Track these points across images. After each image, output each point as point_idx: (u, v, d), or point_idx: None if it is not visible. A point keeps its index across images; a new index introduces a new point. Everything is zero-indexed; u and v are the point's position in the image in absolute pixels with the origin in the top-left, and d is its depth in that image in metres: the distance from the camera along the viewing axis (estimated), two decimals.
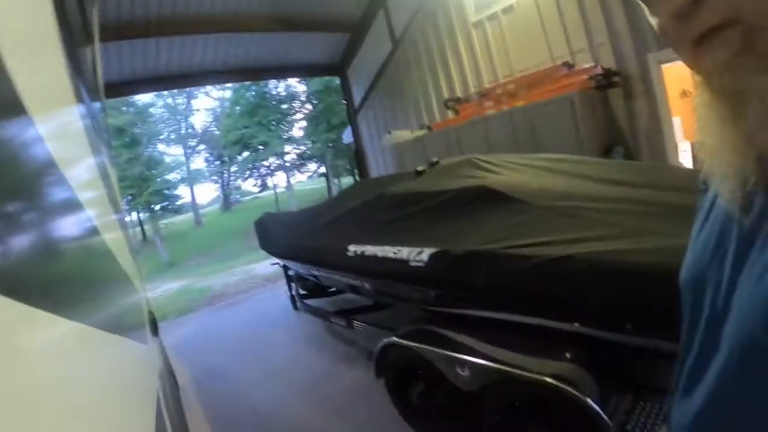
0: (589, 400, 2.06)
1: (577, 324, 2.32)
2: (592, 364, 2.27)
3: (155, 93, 28.62)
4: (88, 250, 0.87)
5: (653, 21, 0.69)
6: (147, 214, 29.22)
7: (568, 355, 2.31)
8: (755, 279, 0.62)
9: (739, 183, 0.65)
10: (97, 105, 2.64)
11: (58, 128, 0.83)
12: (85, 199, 0.92)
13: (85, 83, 1.77)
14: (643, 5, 0.71)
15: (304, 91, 32.32)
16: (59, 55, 1.08)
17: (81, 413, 0.51)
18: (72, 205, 0.77)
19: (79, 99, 1.36)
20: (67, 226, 0.69)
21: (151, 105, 31.96)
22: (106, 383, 0.72)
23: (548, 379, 2.20)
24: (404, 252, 3.04)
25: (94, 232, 1.01)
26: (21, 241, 0.42)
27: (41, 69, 0.79)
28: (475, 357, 2.61)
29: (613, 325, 2.15)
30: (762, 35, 0.57)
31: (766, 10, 0.56)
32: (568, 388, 2.12)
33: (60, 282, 0.54)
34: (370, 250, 3.41)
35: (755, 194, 0.65)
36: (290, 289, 6.84)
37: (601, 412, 2.04)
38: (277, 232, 5.95)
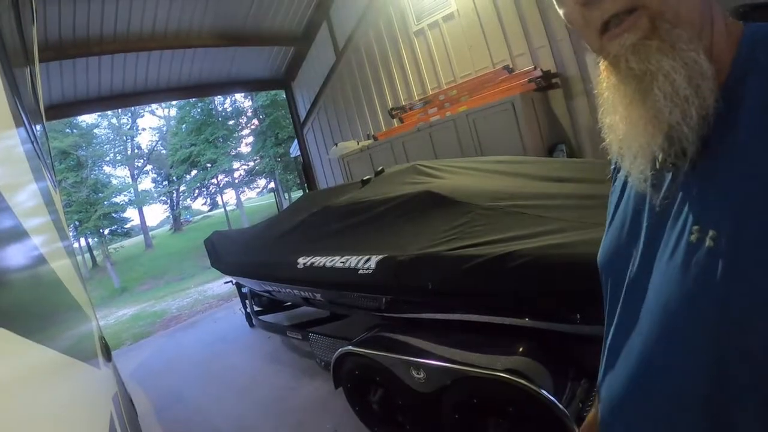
0: (543, 392, 2.10)
1: (527, 318, 2.36)
2: (544, 356, 2.32)
3: (99, 113, 28.06)
4: (34, 278, 0.85)
5: (560, 11, 0.72)
6: (96, 239, 28.47)
7: (520, 350, 2.35)
8: (668, 255, 0.65)
9: (649, 162, 0.68)
10: (38, 127, 2.57)
11: None
12: (29, 227, 0.89)
13: (25, 105, 1.73)
14: None
15: (250, 106, 32.14)
16: None
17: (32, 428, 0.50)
18: (16, 233, 0.75)
19: (18, 122, 1.33)
20: (12, 255, 0.67)
21: (96, 126, 31.26)
22: (56, 403, 0.70)
23: (502, 374, 2.23)
24: (352, 260, 3.05)
25: (40, 260, 0.98)
26: None
27: None
28: (429, 359, 2.63)
29: (562, 316, 2.20)
30: (664, 20, 0.60)
31: None
32: (522, 381, 2.16)
33: (4, 311, 0.53)
34: (319, 260, 3.40)
35: (664, 173, 0.68)
36: (245, 306, 6.75)
37: (556, 402, 2.07)
38: (228, 250, 5.88)
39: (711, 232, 0.59)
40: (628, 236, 0.77)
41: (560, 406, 2.07)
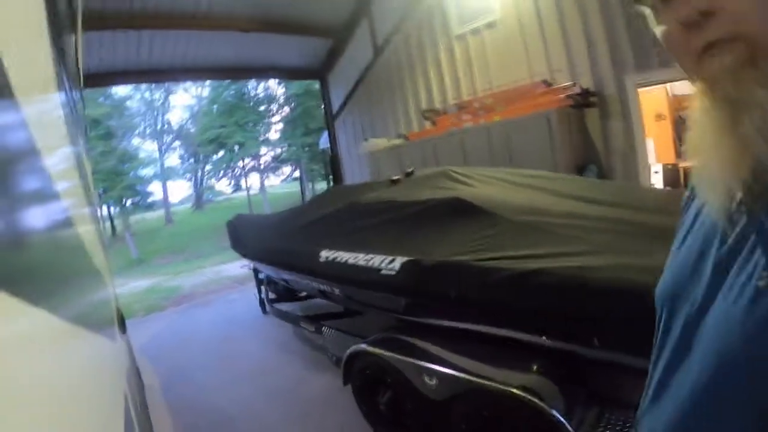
0: (555, 412, 2.09)
1: (544, 337, 2.35)
2: (558, 376, 2.30)
3: (133, 86, 28.28)
4: (61, 240, 0.86)
5: (658, 29, 0.71)
6: (118, 209, 28.68)
7: (535, 368, 2.33)
8: (732, 300, 0.64)
9: (728, 194, 0.66)
10: (76, 94, 2.60)
11: (40, 114, 0.82)
12: (61, 189, 0.90)
13: (68, 71, 1.75)
14: (647, 12, 0.73)
15: (282, 94, 32.19)
16: (46, 40, 1.07)
17: (49, 408, 0.49)
18: (48, 194, 0.76)
19: (61, 86, 1.34)
20: (42, 214, 0.68)
21: (128, 98, 31.40)
22: (75, 378, 0.70)
23: (515, 391, 2.22)
24: (376, 260, 3.05)
25: (68, 223, 0.99)
26: None
27: (28, 53, 0.78)
28: (443, 367, 2.62)
29: (580, 339, 2.18)
30: (764, 52, 0.59)
31: None
32: (535, 400, 2.15)
33: (30, 269, 0.53)
34: (342, 256, 3.41)
35: (741, 210, 0.67)
36: (260, 292, 6.79)
37: (566, 424, 2.06)
38: (250, 234, 5.91)
39: None
40: (692, 271, 0.75)
41: (570, 428, 2.06)
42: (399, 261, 2.88)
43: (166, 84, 30.49)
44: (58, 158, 1.05)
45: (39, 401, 0.46)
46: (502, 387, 2.29)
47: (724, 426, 0.63)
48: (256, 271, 6.65)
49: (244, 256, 5.96)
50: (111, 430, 1.01)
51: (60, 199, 0.87)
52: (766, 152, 0.58)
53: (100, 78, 9.22)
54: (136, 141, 32.50)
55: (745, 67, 0.60)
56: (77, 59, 2.90)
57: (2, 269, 0.39)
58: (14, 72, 0.51)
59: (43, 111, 0.91)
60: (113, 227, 31.35)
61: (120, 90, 29.33)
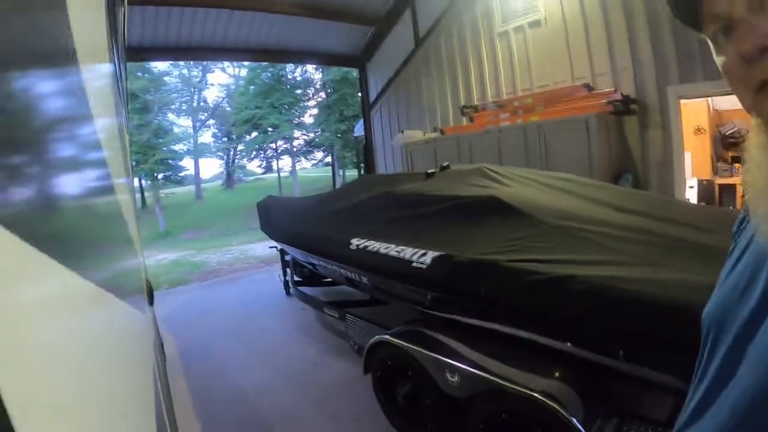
0: (574, 420, 2.09)
1: (569, 344, 2.34)
2: (580, 385, 2.29)
3: (172, 62, 28.63)
4: (103, 206, 0.87)
5: (718, 60, 0.72)
6: (149, 182, 29.11)
7: (557, 374, 2.33)
8: None
9: None
10: (123, 66, 2.65)
11: (94, 81, 0.84)
12: (105, 156, 0.92)
13: (117, 43, 1.78)
14: (710, 43, 0.74)
15: (320, 79, 32.27)
16: (103, 10, 1.09)
17: (82, 371, 0.50)
18: (97, 160, 0.78)
19: (112, 57, 1.37)
20: (90, 179, 0.69)
21: (167, 74, 31.77)
22: (105, 347, 0.70)
23: (536, 395, 2.22)
24: (407, 252, 3.07)
25: (110, 189, 1.01)
26: (44, 180, 0.42)
27: (90, 21, 0.80)
28: (466, 364, 2.63)
29: (605, 349, 2.18)
30: None
31: None
32: (555, 406, 2.14)
33: (74, 233, 0.54)
34: (374, 245, 3.43)
35: None
36: (285, 274, 6.86)
37: None
38: (280, 217, 5.96)
39: None
40: (740, 297, 0.76)
41: None
42: (431, 255, 2.88)
43: (205, 62, 30.79)
44: (105, 125, 1.06)
45: (76, 362, 0.47)
46: (523, 390, 2.29)
47: None
48: (282, 253, 6.72)
49: (273, 237, 6.03)
50: (142, 400, 1.04)
51: (103, 165, 0.89)
52: None
53: (140, 52, 9.35)
54: (171, 116, 32.90)
55: None
56: (124, 32, 2.94)
57: (41, 229, 0.39)
58: (78, 38, 0.53)
59: (97, 78, 0.93)
60: (143, 199, 31.82)
61: (159, 65, 29.72)
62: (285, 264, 6.79)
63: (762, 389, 0.65)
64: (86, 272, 0.58)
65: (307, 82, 33.01)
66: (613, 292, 2.01)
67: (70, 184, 0.55)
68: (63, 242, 0.48)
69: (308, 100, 33.26)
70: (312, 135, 33.32)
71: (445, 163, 4.39)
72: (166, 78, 31.67)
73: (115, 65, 1.65)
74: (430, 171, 4.26)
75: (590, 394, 2.29)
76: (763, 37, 0.62)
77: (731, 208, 6.71)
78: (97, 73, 0.90)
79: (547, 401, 2.18)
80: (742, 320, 0.73)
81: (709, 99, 7.57)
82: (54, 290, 0.42)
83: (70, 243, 0.52)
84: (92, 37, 0.82)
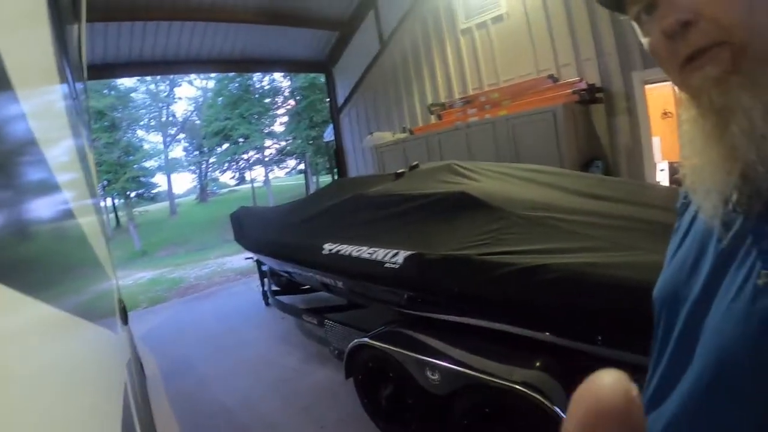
0: (557, 409, 2.08)
1: (548, 333, 2.34)
2: (561, 373, 2.29)
3: (138, 78, 28.36)
4: (62, 232, 0.85)
5: (644, 40, 0.72)
6: (122, 201, 28.80)
7: (538, 364, 2.33)
8: (730, 298, 0.64)
9: (721, 199, 0.67)
10: (80, 85, 2.59)
11: (40, 106, 0.81)
12: (61, 181, 0.90)
13: (70, 62, 1.74)
14: (634, 24, 0.74)
15: (288, 87, 32.24)
16: (47, 31, 1.06)
17: (46, 396, 0.49)
18: (49, 186, 0.75)
19: (63, 78, 1.34)
20: (43, 207, 0.67)
21: (133, 90, 31.50)
22: (73, 368, 0.70)
23: (518, 387, 2.21)
24: (380, 253, 3.05)
25: (69, 214, 0.99)
26: None
27: (29, 44, 0.77)
28: (446, 361, 2.62)
29: (583, 336, 2.17)
30: (747, 56, 0.60)
31: (753, 33, 0.60)
32: (537, 396, 2.14)
33: (31, 262, 0.52)
34: (346, 249, 3.41)
35: (735, 215, 0.67)
36: (263, 284, 6.81)
37: None
38: (253, 227, 5.92)
39: None
40: (689, 273, 0.76)
41: None
42: (402, 254, 2.87)
43: (172, 76, 30.57)
44: (59, 150, 1.04)
45: (34, 391, 0.45)
46: (504, 382, 2.28)
47: (727, 422, 0.63)
48: (259, 264, 6.67)
49: (248, 248, 5.98)
50: (108, 418, 1.01)
51: (60, 190, 0.87)
52: (755, 155, 0.59)
53: (105, 70, 9.19)
54: (140, 133, 32.67)
55: (729, 74, 0.61)
56: (81, 51, 2.89)
57: (1, 261, 0.38)
58: (12, 62, 0.51)
59: (43, 103, 0.90)
60: (117, 218, 31.48)
61: (125, 82, 29.51)
62: (262, 274, 6.75)
63: (718, 368, 0.64)
64: (50, 299, 0.57)
65: (276, 91, 32.94)
66: (586, 278, 2.01)
67: (25, 214, 0.53)
68: (22, 272, 0.46)
69: (277, 108, 33.21)
70: (283, 143, 33.27)
71: (415, 163, 4.39)
72: (133, 94, 31.42)
73: (69, 85, 1.61)
74: (399, 171, 4.25)
75: (572, 382, 2.28)
76: (684, 12, 0.62)
77: None
78: (42, 97, 0.87)
79: (529, 392, 2.17)
80: (693, 298, 0.73)
81: None
82: (16, 320, 0.42)
83: (31, 272, 0.51)
84: (32, 59, 0.79)
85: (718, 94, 0.62)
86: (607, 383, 0.49)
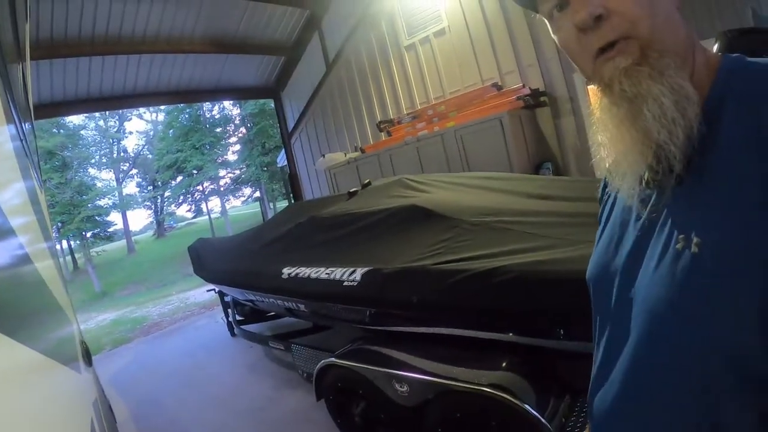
0: (527, 407, 2.11)
1: (511, 333, 2.38)
2: (528, 371, 2.33)
3: (87, 114, 27.88)
4: (19, 278, 0.85)
5: (556, 37, 0.77)
6: (78, 242, 28.12)
7: (504, 364, 2.35)
8: (654, 265, 0.69)
9: (638, 178, 0.73)
10: (27, 126, 2.55)
11: None
12: (15, 225, 0.89)
13: (16, 103, 1.72)
14: (547, 22, 0.79)
15: (238, 114, 32.12)
16: None
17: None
18: (2, 231, 0.75)
19: (9, 119, 1.32)
20: None
21: (83, 127, 30.99)
22: (36, 406, 0.69)
23: (486, 389, 2.23)
24: (337, 272, 3.06)
25: (22, 259, 0.98)
26: None
27: None
28: (413, 372, 2.63)
29: (546, 332, 2.22)
30: (654, 49, 0.65)
31: (658, 29, 0.67)
32: (506, 396, 2.16)
33: None
34: (304, 271, 3.41)
35: (651, 190, 0.72)
36: (227, 315, 6.71)
37: (540, 417, 2.09)
38: (212, 258, 5.85)
39: (695, 239, 0.63)
40: (615, 251, 0.81)
41: (544, 421, 2.08)
42: (360, 272, 2.89)
43: (121, 111, 30.15)
44: (10, 193, 1.03)
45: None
46: (472, 387, 2.30)
47: (663, 385, 0.67)
48: (221, 295, 6.59)
49: (208, 280, 5.90)
50: None
51: (15, 235, 0.86)
52: (665, 137, 0.65)
53: (52, 108, 9.02)
54: (92, 171, 32.06)
55: (638, 65, 0.67)
56: (26, 90, 2.84)
57: None
58: None
59: None
60: (74, 260, 30.70)
61: (73, 119, 29.13)
62: (225, 305, 6.65)
63: (650, 334, 0.68)
64: (3, 342, 0.57)
65: (227, 119, 32.80)
66: (540, 275, 2.06)
67: None
68: None
69: (229, 137, 33.07)
70: (238, 172, 33.05)
71: (366, 180, 4.41)
72: (82, 132, 30.95)
73: (16, 126, 1.59)
74: (352, 190, 4.27)
75: (539, 378, 2.33)
76: (596, 7, 0.67)
77: None
78: None
79: (498, 393, 2.19)
80: (621, 270, 0.77)
81: None
82: None
83: None
84: None
85: (630, 84, 0.67)
86: None
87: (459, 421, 2.48)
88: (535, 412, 2.10)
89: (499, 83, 6.64)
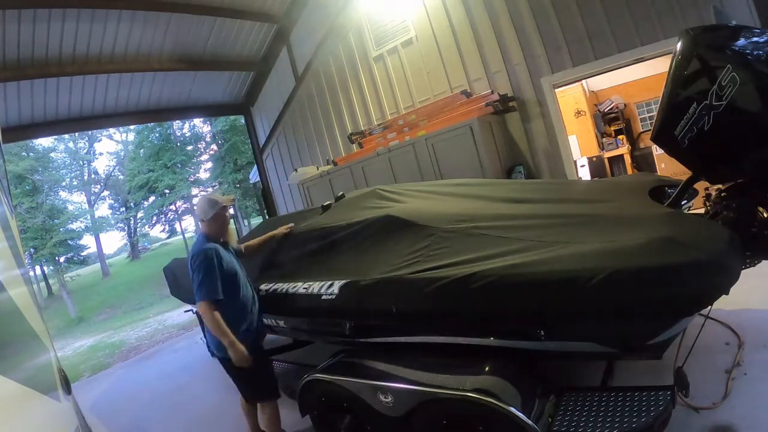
0: (512, 409, 2.12)
1: (492, 338, 2.40)
2: (511, 373, 2.33)
3: (56, 137, 27.51)
4: None
5: None
6: (51, 267, 27.60)
7: (487, 369, 2.36)
8: None
9: None
10: None
11: None
12: None
13: None
14: None
15: (209, 132, 31.88)
16: None
17: None
18: None
19: None
20: None
21: (52, 149, 30.50)
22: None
23: (470, 394, 2.24)
24: (315, 286, 3.05)
25: None
26: None
27: None
28: (397, 383, 2.62)
29: (526, 333, 2.25)
30: None
31: None
32: (491, 400, 2.17)
33: None
34: (281, 287, 3.39)
35: None
36: (206, 335, 6.63)
37: (525, 419, 2.10)
38: (188, 278, 5.78)
39: None
40: None
41: (529, 422, 2.09)
42: (338, 284, 2.89)
43: (90, 132, 29.76)
44: None
45: None
46: (456, 393, 2.31)
47: None
48: (200, 315, 6.50)
49: (185, 300, 5.82)
50: None
51: None
52: None
53: (20, 131, 8.89)
54: (63, 194, 31.57)
55: None
56: None
57: None
58: None
59: None
60: (48, 286, 30.12)
61: (43, 142, 28.71)
62: (204, 325, 6.57)
63: None
64: None
65: (197, 137, 32.55)
66: (516, 278, 2.09)
67: None
68: None
69: (201, 154, 32.79)
70: (210, 190, 32.75)
71: (340, 193, 4.41)
72: (52, 154, 30.47)
73: None
74: (326, 203, 4.26)
75: (523, 379, 2.34)
76: None
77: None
78: None
79: (482, 397, 2.20)
80: None
81: (583, 82, 8.04)
82: None
83: None
84: None
85: None
86: None
87: (446, 427, 2.49)
88: (520, 414, 2.11)
89: (468, 90, 6.73)
